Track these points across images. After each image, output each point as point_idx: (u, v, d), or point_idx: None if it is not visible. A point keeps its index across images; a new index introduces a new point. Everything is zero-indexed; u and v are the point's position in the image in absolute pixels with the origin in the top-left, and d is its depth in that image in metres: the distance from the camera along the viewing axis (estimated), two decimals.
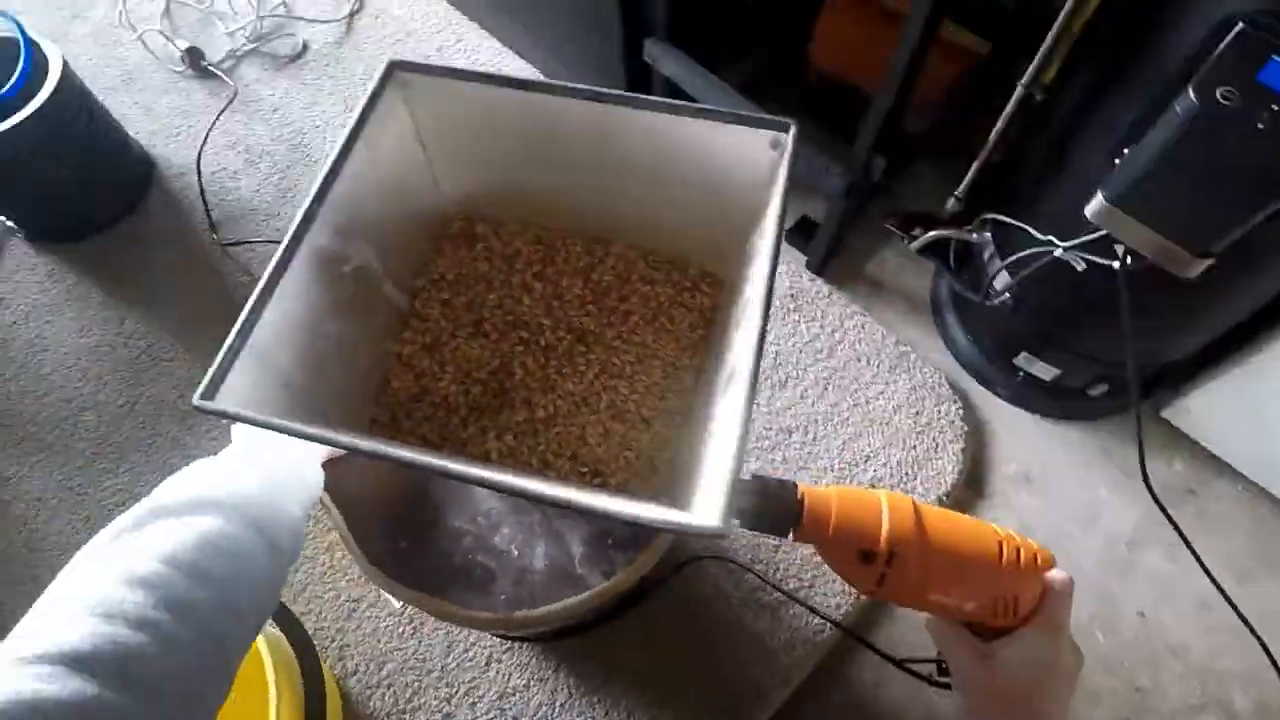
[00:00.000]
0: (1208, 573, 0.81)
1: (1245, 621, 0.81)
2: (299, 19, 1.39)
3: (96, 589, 0.36)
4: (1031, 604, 0.52)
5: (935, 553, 0.48)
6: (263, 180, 1.23)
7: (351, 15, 1.39)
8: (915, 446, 1.00)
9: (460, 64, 1.34)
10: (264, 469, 0.48)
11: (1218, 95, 0.56)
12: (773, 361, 1.05)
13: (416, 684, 0.88)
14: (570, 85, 0.49)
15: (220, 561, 0.40)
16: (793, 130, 0.46)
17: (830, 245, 1.09)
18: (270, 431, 0.49)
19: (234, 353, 0.40)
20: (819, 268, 1.12)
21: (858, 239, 1.15)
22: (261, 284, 0.42)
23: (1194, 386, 0.93)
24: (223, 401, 0.39)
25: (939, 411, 1.02)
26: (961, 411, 1.02)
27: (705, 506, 0.36)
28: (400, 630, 0.90)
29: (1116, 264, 0.74)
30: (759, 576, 0.91)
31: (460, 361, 0.56)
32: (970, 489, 0.99)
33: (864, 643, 0.80)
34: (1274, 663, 0.81)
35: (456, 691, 0.88)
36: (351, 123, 0.48)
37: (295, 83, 1.33)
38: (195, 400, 0.39)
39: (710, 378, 0.49)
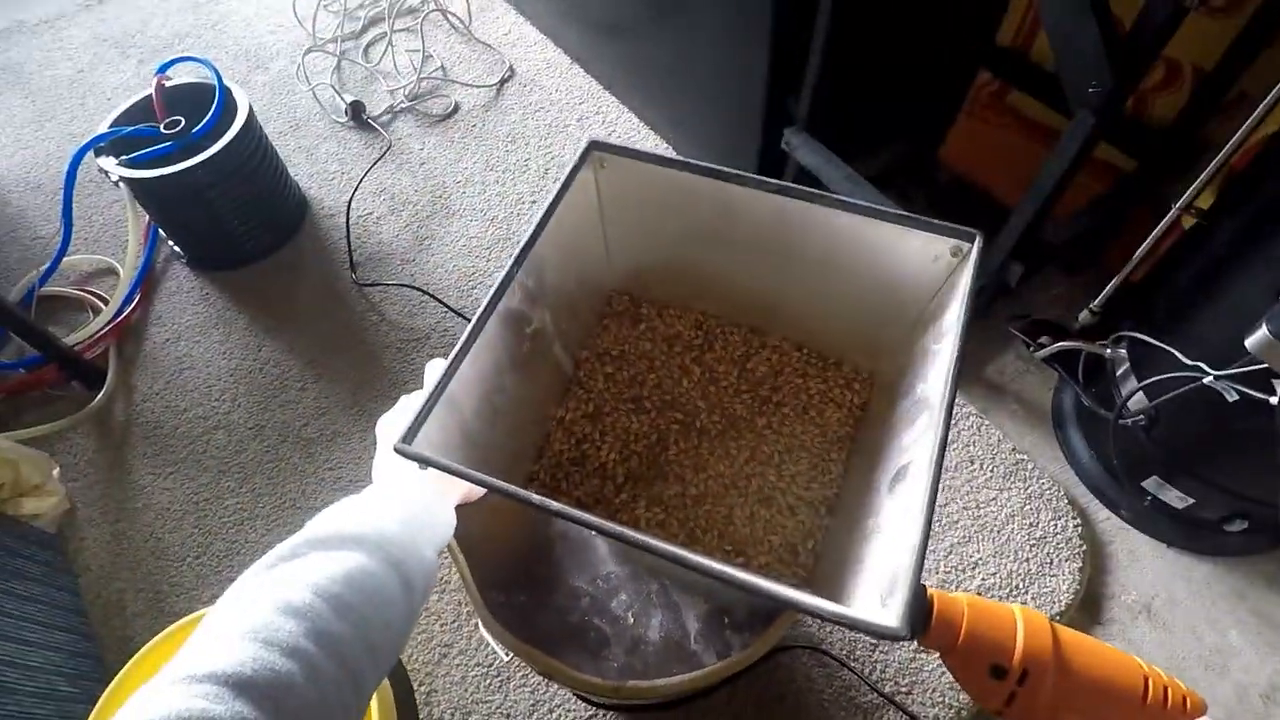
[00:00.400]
0: None
1: None
2: (454, 82, 1.50)
3: (255, 615, 0.38)
4: None
5: (1073, 677, 0.46)
6: (403, 227, 1.31)
7: (502, 82, 1.49)
8: (1028, 560, 0.96)
9: (598, 133, 1.41)
10: (403, 510, 0.49)
11: None
12: None
13: None
14: (757, 177, 0.51)
15: (361, 597, 0.41)
16: (978, 240, 0.47)
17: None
18: (409, 475, 0.52)
19: (433, 401, 0.43)
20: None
21: (981, 341, 1.14)
22: (463, 338, 0.45)
23: None
24: (419, 446, 0.41)
25: (1055, 526, 0.98)
26: (1080, 529, 0.98)
27: (885, 607, 0.36)
28: (488, 683, 0.91)
29: (1274, 399, 0.71)
30: (855, 673, 0.88)
31: (619, 432, 0.58)
32: (1085, 614, 0.94)
33: None
34: None
35: None
36: (552, 195, 0.51)
37: (443, 140, 1.42)
38: (396, 445, 0.41)
39: (868, 475, 0.49)
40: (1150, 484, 0.94)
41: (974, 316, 1.04)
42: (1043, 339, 1.05)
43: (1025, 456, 1.03)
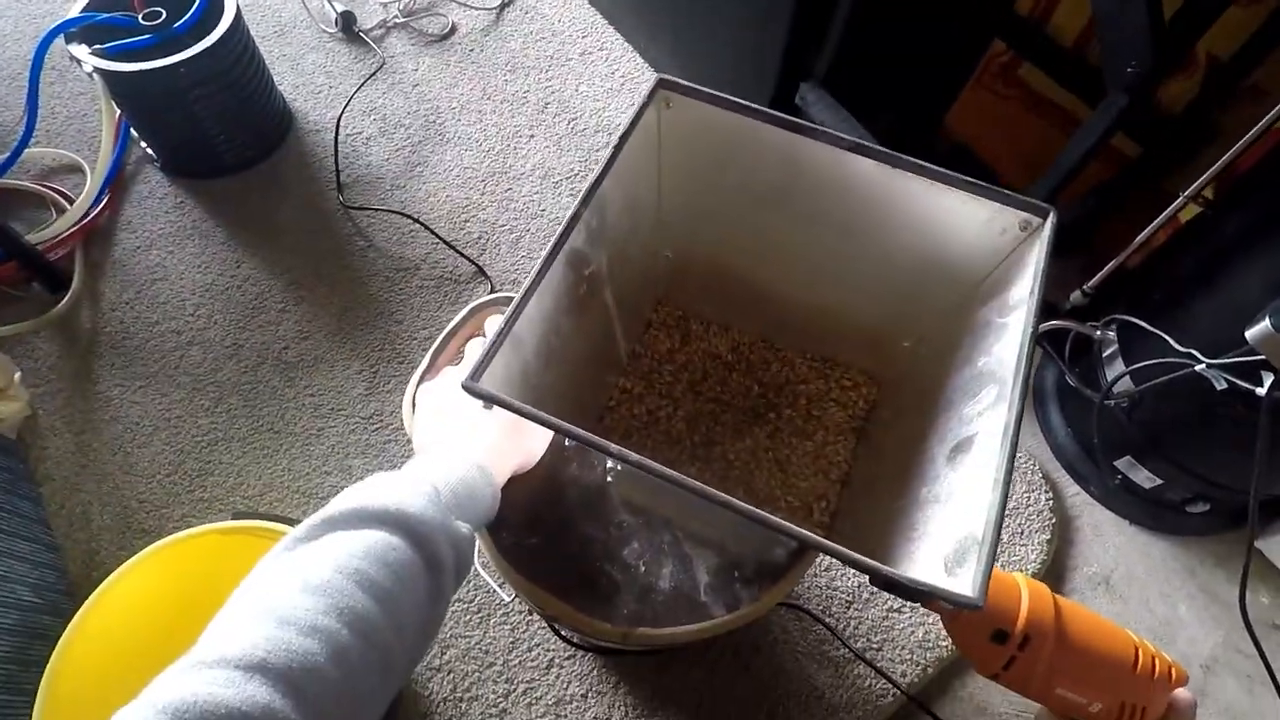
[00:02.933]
0: None
1: None
2: (452, 1, 1.43)
3: (270, 595, 0.37)
4: (1156, 717, 0.51)
5: (1070, 645, 0.48)
6: (394, 151, 1.26)
7: (503, 6, 1.43)
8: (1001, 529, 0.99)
9: (601, 70, 1.36)
10: (433, 485, 0.46)
11: None
12: None
13: (476, 675, 0.88)
14: (832, 132, 0.49)
15: (385, 572, 0.39)
16: (1052, 215, 0.47)
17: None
18: (448, 447, 0.50)
19: (501, 339, 0.41)
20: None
21: None
22: (530, 278, 0.43)
23: None
24: (485, 383, 0.40)
25: (1028, 499, 1.01)
26: (1051, 502, 1.01)
27: (954, 576, 0.36)
28: (466, 619, 0.91)
29: (1261, 390, 0.74)
30: (829, 629, 0.91)
31: (684, 405, 0.59)
32: (1048, 582, 0.98)
33: (934, 716, 0.80)
34: None
35: (515, 689, 0.88)
36: (620, 133, 0.49)
37: (439, 61, 1.36)
38: (463, 382, 0.39)
39: (919, 445, 0.49)
40: (1123, 463, 0.98)
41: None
42: None
43: None
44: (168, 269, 1.13)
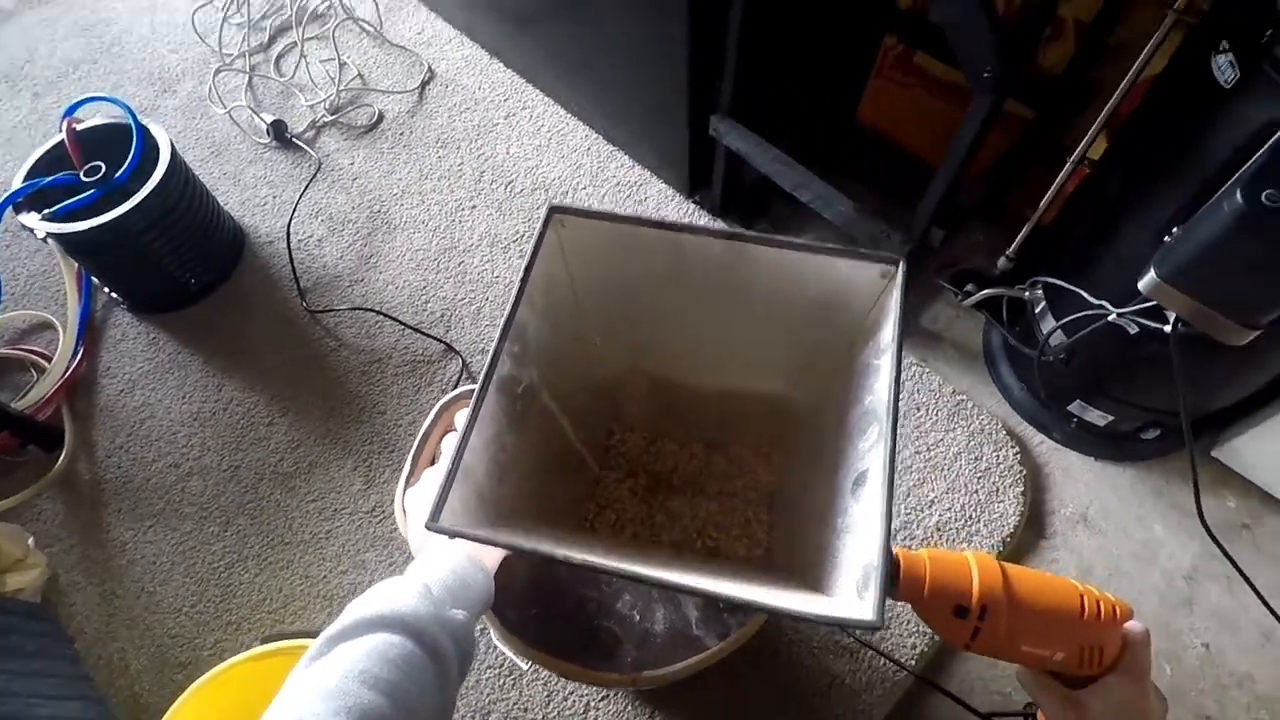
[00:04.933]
0: (1267, 605, 0.87)
1: None
2: (374, 90, 1.49)
3: (289, 709, 0.42)
4: (1115, 653, 0.58)
5: (1023, 605, 0.55)
6: (346, 247, 1.31)
7: (423, 85, 1.48)
8: (977, 491, 1.06)
9: (528, 129, 1.42)
10: (425, 582, 0.52)
11: (1264, 198, 0.63)
12: None
13: None
14: (705, 226, 0.56)
15: (389, 668, 0.44)
16: (901, 265, 0.53)
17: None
18: (439, 544, 0.56)
19: (452, 476, 0.47)
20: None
21: (913, 294, 1.22)
22: (468, 414, 0.49)
23: (1242, 428, 0.99)
24: (445, 521, 0.46)
25: (997, 457, 1.08)
26: (1019, 456, 1.08)
27: (858, 602, 0.42)
28: (500, 683, 0.96)
29: (1168, 328, 0.81)
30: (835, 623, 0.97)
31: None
32: (1031, 531, 1.05)
33: (946, 693, 0.86)
34: None
35: None
36: (524, 266, 0.55)
37: (373, 151, 1.41)
38: (425, 524, 0.45)
39: (833, 478, 0.55)
40: (1075, 407, 1.05)
41: (908, 276, 1.12)
42: (968, 287, 1.14)
43: (965, 396, 1.13)
44: (153, 406, 1.18)
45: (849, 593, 0.45)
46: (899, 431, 0.48)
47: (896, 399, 0.48)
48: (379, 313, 1.23)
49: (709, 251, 0.57)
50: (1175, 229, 0.76)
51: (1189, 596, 0.98)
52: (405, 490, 0.75)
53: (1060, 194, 0.98)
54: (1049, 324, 1.01)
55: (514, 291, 0.54)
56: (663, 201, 1.34)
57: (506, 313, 0.53)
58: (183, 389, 1.19)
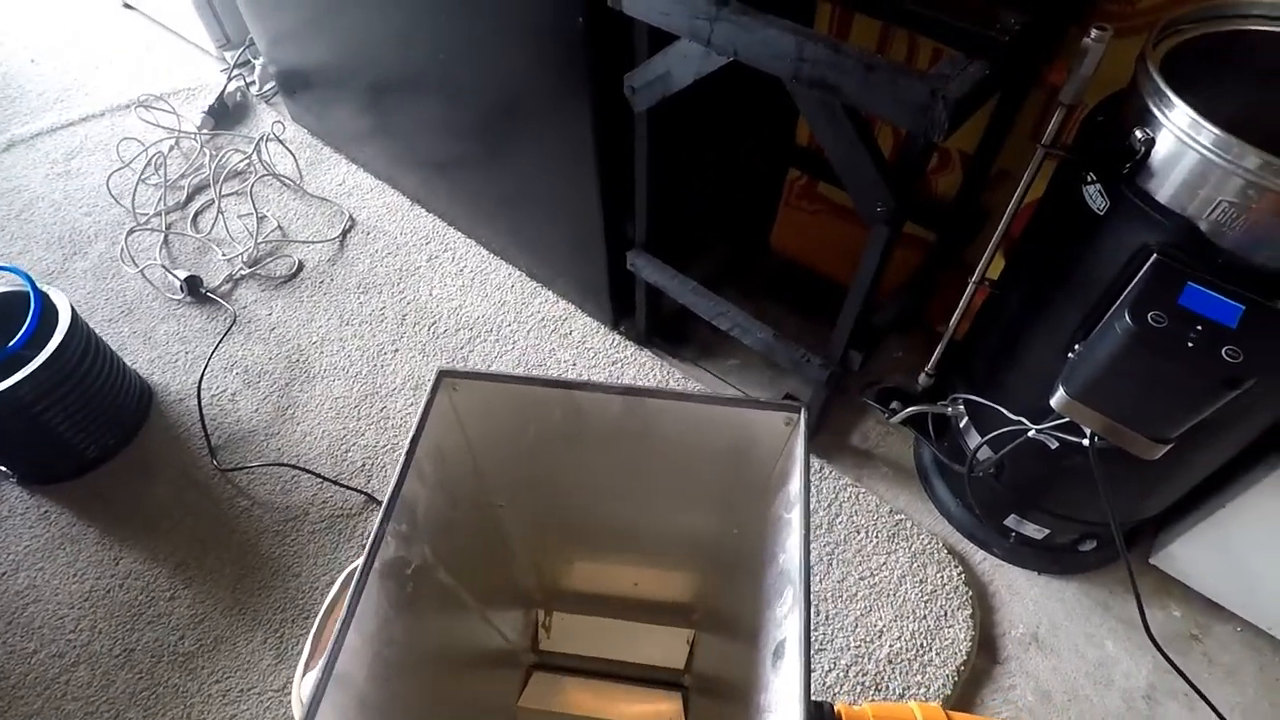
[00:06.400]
0: None
1: None
2: (294, 240, 1.49)
3: None
4: None
5: None
6: (262, 400, 1.26)
7: (344, 233, 1.49)
8: (925, 616, 1.02)
9: (450, 270, 1.43)
10: None
11: (1149, 319, 0.65)
12: None
13: None
14: (601, 384, 0.55)
15: None
16: (803, 413, 0.52)
17: (812, 427, 1.16)
18: None
19: (322, 690, 0.42)
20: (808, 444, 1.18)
21: (839, 412, 1.22)
22: (343, 614, 0.44)
23: (1175, 533, 0.99)
24: None
25: (942, 578, 1.05)
26: (963, 575, 1.05)
27: None
28: None
29: (1086, 441, 0.81)
30: None
31: None
32: (984, 655, 1.01)
33: None
34: None
35: None
36: (410, 434, 0.52)
37: (292, 300, 1.39)
38: None
39: (752, 647, 0.52)
40: (1011, 521, 1.04)
41: (831, 397, 1.11)
42: (894, 404, 1.14)
43: (903, 515, 1.11)
44: (39, 588, 1.07)
45: None
46: (811, 598, 0.45)
47: (808, 559, 0.46)
48: (295, 467, 1.17)
49: (608, 408, 0.56)
50: (1077, 345, 0.78)
51: (1150, 718, 0.94)
52: (304, 676, 0.68)
53: (969, 311, 1.01)
54: (974, 439, 1.01)
55: (398, 465, 0.51)
56: (588, 334, 1.34)
57: (390, 489, 0.50)
58: (74, 566, 1.09)
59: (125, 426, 1.22)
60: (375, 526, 0.47)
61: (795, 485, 0.49)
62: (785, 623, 0.46)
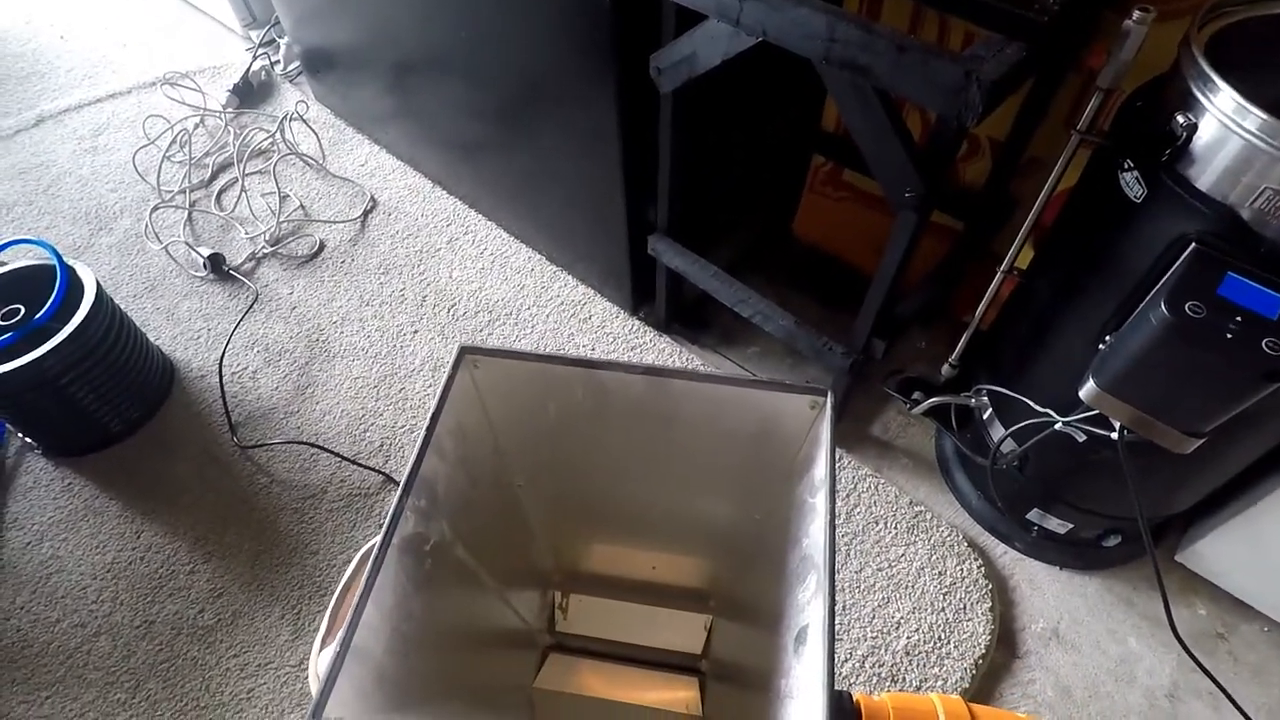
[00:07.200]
0: None
1: None
2: (316, 220, 1.49)
3: None
4: None
5: None
6: (282, 379, 1.27)
7: (365, 214, 1.49)
8: (944, 609, 1.01)
9: (470, 253, 1.42)
10: None
11: (1186, 309, 0.64)
12: None
13: None
14: (624, 362, 0.54)
15: None
16: (829, 397, 0.51)
17: (837, 412, 1.14)
18: None
19: (340, 662, 0.41)
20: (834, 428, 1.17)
21: (860, 401, 1.21)
22: (361, 588, 0.44)
23: (1203, 530, 0.97)
24: (332, 712, 0.40)
25: (961, 571, 1.04)
26: (983, 569, 1.04)
27: None
28: None
29: (1115, 435, 0.80)
30: None
31: None
32: (1003, 650, 0.99)
33: None
34: None
35: None
36: (431, 411, 0.52)
37: (313, 280, 1.40)
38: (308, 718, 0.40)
39: (774, 631, 0.51)
40: (1034, 515, 1.02)
41: (853, 386, 1.09)
42: (915, 394, 1.13)
43: (923, 507, 1.09)
44: (62, 559, 1.09)
45: None
46: (835, 581, 0.44)
47: (833, 544, 0.45)
48: (314, 445, 1.18)
49: (631, 388, 0.55)
50: (1109, 336, 0.77)
51: (1172, 715, 0.93)
52: (320, 651, 0.68)
53: (995, 300, 0.99)
54: (998, 431, 0.99)
55: (418, 441, 0.50)
56: (607, 319, 1.33)
57: (410, 464, 0.49)
58: (97, 537, 1.11)
59: (148, 401, 1.23)
60: (394, 501, 0.47)
61: (820, 470, 0.49)
62: (809, 608, 0.45)
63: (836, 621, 0.99)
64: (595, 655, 0.69)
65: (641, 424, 0.56)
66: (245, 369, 1.29)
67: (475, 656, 0.60)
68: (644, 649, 0.68)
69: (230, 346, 1.30)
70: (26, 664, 1.00)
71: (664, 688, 0.66)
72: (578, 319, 1.34)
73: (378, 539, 0.46)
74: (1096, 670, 0.97)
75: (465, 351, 0.54)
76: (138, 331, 1.23)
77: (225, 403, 1.23)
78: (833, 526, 0.46)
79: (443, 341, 1.31)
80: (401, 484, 0.48)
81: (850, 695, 0.53)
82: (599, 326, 1.33)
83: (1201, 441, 0.71)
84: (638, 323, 1.33)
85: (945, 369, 1.09)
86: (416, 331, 1.33)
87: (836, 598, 1.00)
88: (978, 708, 0.54)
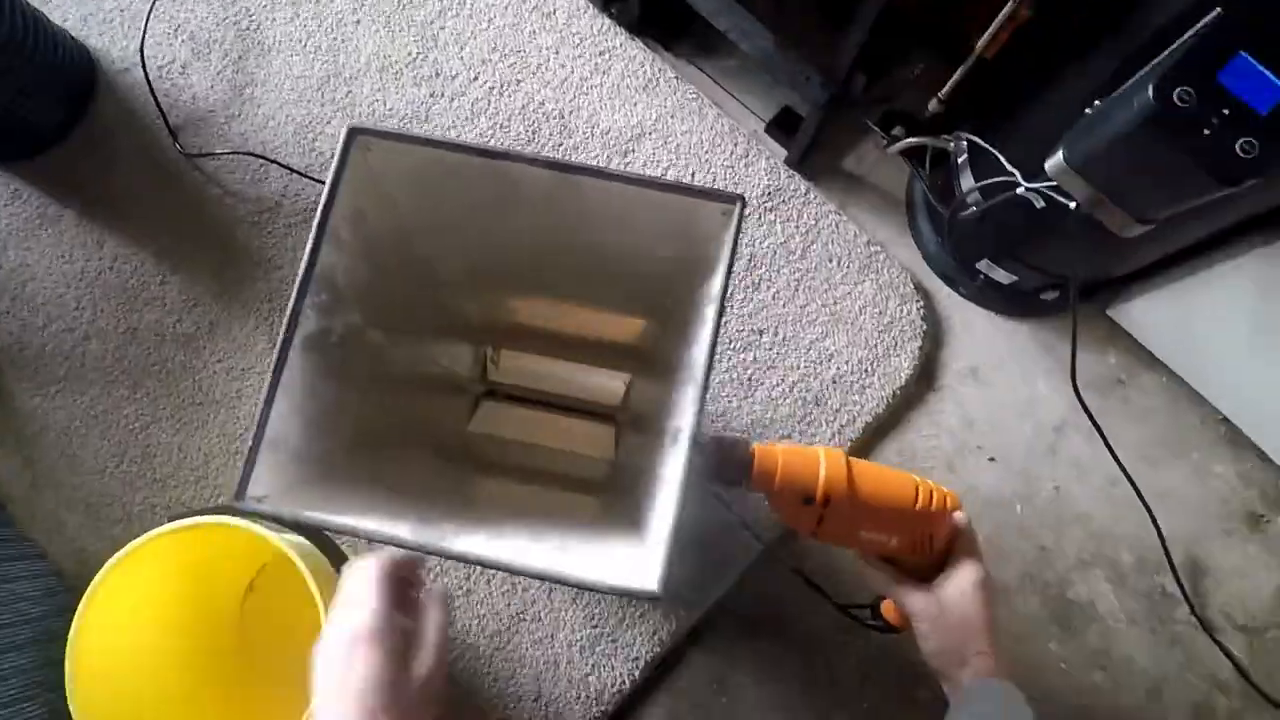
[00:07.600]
0: (1113, 454, 0.95)
1: (1140, 495, 0.97)
2: None
3: None
4: (944, 541, 0.64)
5: (863, 496, 0.60)
6: (215, 76, 1.16)
7: None
8: (876, 345, 1.08)
9: None
10: None
11: (1174, 97, 0.57)
12: (748, 264, 1.09)
13: None
14: (528, 154, 0.50)
15: None
16: (739, 206, 0.49)
17: (810, 142, 1.08)
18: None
19: (254, 454, 0.46)
20: (798, 163, 1.12)
21: (840, 132, 1.14)
22: (265, 390, 0.46)
23: (1138, 291, 1.00)
24: (254, 490, 0.45)
25: (902, 311, 1.09)
26: (923, 311, 1.09)
27: (646, 572, 0.44)
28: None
29: (1072, 205, 0.78)
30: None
31: None
32: (924, 383, 1.09)
33: (800, 575, 0.93)
34: (1157, 528, 0.98)
35: None
36: (322, 203, 0.49)
37: None
38: (231, 500, 0.45)
39: (664, 422, 0.55)
40: (983, 265, 1.04)
41: (831, 116, 1.03)
42: (896, 130, 1.06)
43: (879, 248, 1.10)
44: (32, 266, 1.11)
45: (640, 555, 0.47)
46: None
47: (711, 357, 0.47)
48: (263, 157, 1.13)
49: (538, 183, 0.52)
50: (1098, 101, 0.71)
51: (1053, 445, 1.06)
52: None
53: (999, 35, 0.88)
54: (969, 182, 0.96)
55: (311, 234, 0.49)
56: (574, 15, 1.18)
57: (304, 263, 0.49)
58: (59, 247, 1.12)
59: (73, 98, 1.14)
60: (290, 302, 0.47)
61: (716, 283, 0.48)
62: (683, 415, 0.48)
63: (772, 352, 1.06)
64: (524, 402, 0.76)
65: (550, 219, 0.54)
66: (173, 62, 1.17)
67: (407, 411, 0.65)
68: (569, 399, 0.75)
69: (150, 33, 1.16)
70: (27, 364, 1.09)
71: (584, 434, 0.74)
72: (540, 14, 1.19)
73: (279, 339, 0.47)
74: (1001, 405, 1.07)
75: (356, 133, 0.50)
76: (33, 10, 1.08)
77: (158, 102, 1.14)
78: (714, 342, 0.47)
79: (389, 35, 1.18)
80: (296, 285, 0.48)
81: (747, 442, 0.61)
82: (563, 25, 1.18)
83: (1149, 229, 0.70)
84: (607, 21, 1.18)
85: (932, 104, 1.00)
86: (359, 21, 1.18)
87: (773, 334, 1.06)
88: (855, 460, 0.62)
